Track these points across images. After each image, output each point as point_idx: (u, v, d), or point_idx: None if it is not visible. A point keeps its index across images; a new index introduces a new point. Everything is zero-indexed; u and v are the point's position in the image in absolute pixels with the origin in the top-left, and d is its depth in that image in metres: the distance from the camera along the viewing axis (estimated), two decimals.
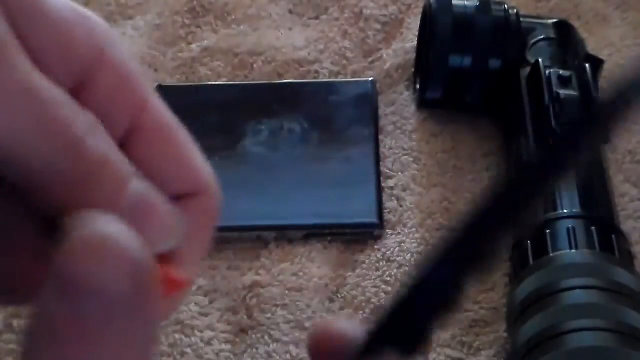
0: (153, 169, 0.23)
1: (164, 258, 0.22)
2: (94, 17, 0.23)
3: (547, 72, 0.56)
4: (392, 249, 0.56)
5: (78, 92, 0.22)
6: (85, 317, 0.18)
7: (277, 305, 0.54)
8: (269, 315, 0.53)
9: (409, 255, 0.55)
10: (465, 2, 0.60)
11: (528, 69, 0.58)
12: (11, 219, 0.22)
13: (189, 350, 0.52)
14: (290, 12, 0.71)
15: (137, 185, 0.22)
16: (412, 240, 0.56)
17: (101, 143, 0.21)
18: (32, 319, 0.18)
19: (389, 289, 0.54)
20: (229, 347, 0.52)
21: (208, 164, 0.25)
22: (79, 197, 0.21)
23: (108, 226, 0.18)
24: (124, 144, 0.23)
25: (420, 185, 0.59)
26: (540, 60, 0.57)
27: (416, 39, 0.64)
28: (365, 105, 0.62)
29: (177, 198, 0.23)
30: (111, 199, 0.21)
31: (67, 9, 0.22)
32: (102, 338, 0.18)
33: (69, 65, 0.22)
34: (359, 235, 0.57)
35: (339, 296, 0.54)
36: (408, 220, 0.57)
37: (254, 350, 0.52)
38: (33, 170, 0.20)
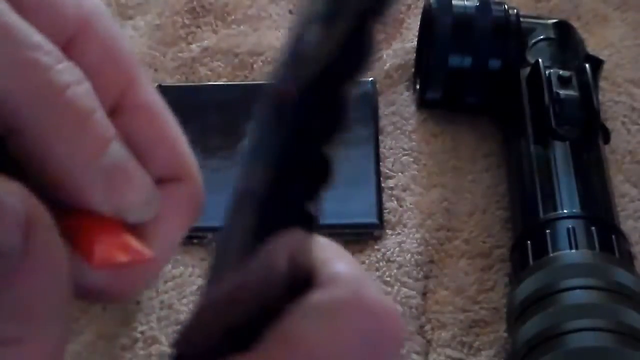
0: (135, 149, 0.23)
1: (133, 229, 0.22)
2: None
3: (547, 72, 0.56)
4: (392, 249, 0.56)
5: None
6: None
7: None
8: None
9: (409, 255, 0.55)
10: (465, 2, 0.60)
11: (528, 69, 0.58)
12: None
13: None
14: (290, 12, 0.71)
15: (117, 149, 0.22)
16: (412, 241, 0.56)
17: (85, 96, 0.21)
18: None
19: (389, 289, 0.54)
20: None
21: (192, 152, 0.25)
22: (57, 149, 0.21)
23: None
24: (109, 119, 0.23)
25: (420, 185, 0.59)
26: (540, 60, 0.57)
27: (416, 39, 0.64)
28: (365, 105, 0.62)
29: (158, 181, 0.23)
30: (90, 156, 0.21)
31: None
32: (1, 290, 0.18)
33: (54, 31, 0.22)
34: (359, 236, 0.57)
35: None
36: (408, 221, 0.57)
37: None
38: (9, 114, 0.20)
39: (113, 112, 0.23)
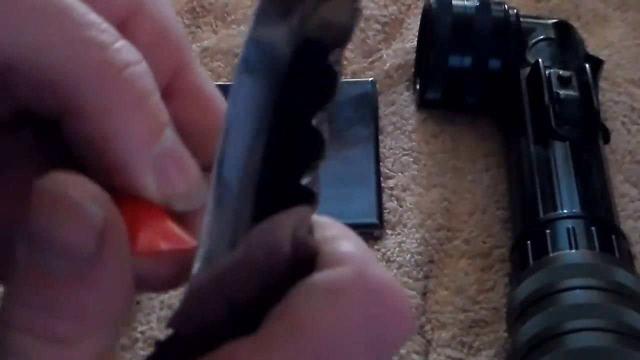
0: (185, 135, 0.22)
1: (178, 217, 0.22)
2: None
3: (547, 72, 0.56)
4: (392, 249, 0.56)
5: None
6: (47, 268, 0.18)
7: None
8: None
9: (409, 255, 0.55)
10: (465, 2, 0.60)
11: (528, 69, 0.58)
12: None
13: None
14: None
15: (170, 135, 0.21)
16: (412, 241, 0.56)
17: (144, 76, 0.21)
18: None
19: None
20: None
21: None
22: (112, 130, 0.20)
23: (74, 186, 0.19)
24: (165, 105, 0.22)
25: (420, 185, 0.59)
26: (540, 60, 0.57)
27: (416, 39, 0.64)
28: (365, 106, 0.62)
29: (205, 169, 0.23)
30: (144, 139, 0.21)
31: None
32: (64, 289, 0.18)
33: (108, 13, 0.21)
34: (358, 235, 0.56)
35: None
36: (408, 221, 0.57)
37: None
38: (66, 93, 0.20)
39: (165, 95, 0.22)
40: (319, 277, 0.20)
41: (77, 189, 0.19)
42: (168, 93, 0.23)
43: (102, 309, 0.19)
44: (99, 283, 0.19)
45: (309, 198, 0.20)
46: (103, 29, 0.20)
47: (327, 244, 0.20)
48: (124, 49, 0.21)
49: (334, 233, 0.21)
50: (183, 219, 0.22)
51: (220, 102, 0.24)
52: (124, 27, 0.22)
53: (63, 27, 0.20)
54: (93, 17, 0.20)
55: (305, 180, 0.20)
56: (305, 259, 0.20)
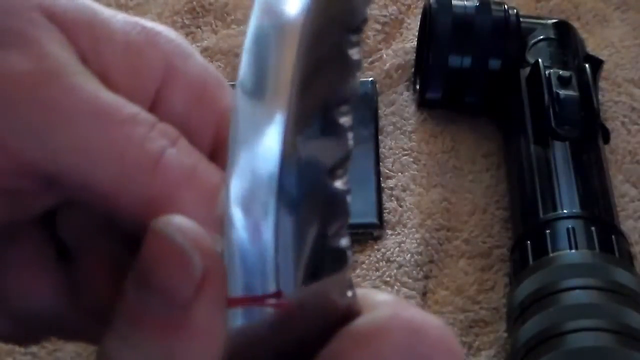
0: None
1: None
2: (162, 32, 0.23)
3: (547, 72, 0.56)
4: (392, 249, 0.56)
5: (154, 111, 0.22)
6: (150, 309, 0.19)
7: None
8: None
9: (409, 255, 0.55)
10: (465, 2, 0.60)
11: (528, 69, 0.58)
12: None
13: None
14: None
15: None
16: (412, 241, 0.56)
17: (182, 155, 0.21)
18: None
19: (389, 289, 0.54)
20: None
21: None
22: (167, 211, 0.20)
23: (184, 231, 0.19)
24: (215, 157, 0.23)
25: (420, 185, 0.59)
26: (540, 60, 0.57)
27: (416, 39, 0.64)
28: (365, 106, 0.62)
29: None
30: (202, 211, 0.21)
31: (133, 29, 0.22)
32: (159, 333, 0.19)
33: (139, 85, 0.22)
34: (358, 236, 0.57)
35: None
36: (408, 221, 0.57)
37: None
38: (107, 191, 0.20)
39: (218, 145, 0.23)
40: (356, 322, 0.20)
41: (185, 235, 0.19)
42: (220, 143, 0.23)
43: (191, 358, 0.19)
44: (190, 332, 0.19)
45: (340, 257, 0.20)
46: (138, 120, 0.21)
47: (365, 296, 0.21)
48: (158, 135, 0.21)
49: (368, 289, 0.22)
50: None
51: None
52: (161, 95, 0.22)
53: (99, 130, 0.20)
54: (127, 109, 0.21)
55: (334, 242, 0.20)
56: (350, 316, 0.21)
